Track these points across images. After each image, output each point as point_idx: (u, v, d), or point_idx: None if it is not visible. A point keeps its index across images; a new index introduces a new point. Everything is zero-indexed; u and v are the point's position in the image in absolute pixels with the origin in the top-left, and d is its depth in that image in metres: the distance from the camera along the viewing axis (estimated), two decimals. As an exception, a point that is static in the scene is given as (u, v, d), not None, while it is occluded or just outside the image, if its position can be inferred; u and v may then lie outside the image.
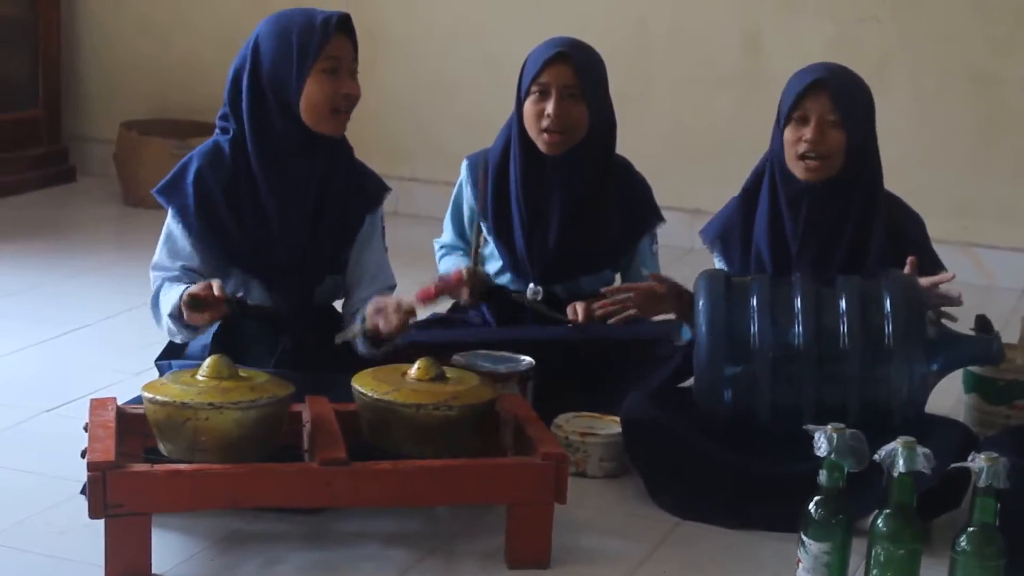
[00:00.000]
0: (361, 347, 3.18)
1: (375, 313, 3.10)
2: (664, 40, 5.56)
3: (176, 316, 3.08)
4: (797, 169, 3.28)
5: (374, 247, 3.31)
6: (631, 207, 3.71)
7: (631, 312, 3.34)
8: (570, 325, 3.55)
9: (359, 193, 3.29)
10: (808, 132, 3.25)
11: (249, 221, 3.19)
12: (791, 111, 3.27)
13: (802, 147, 3.26)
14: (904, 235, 3.34)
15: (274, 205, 3.18)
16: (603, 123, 3.65)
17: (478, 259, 3.71)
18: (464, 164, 3.77)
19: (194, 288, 3.00)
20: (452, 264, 3.72)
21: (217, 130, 3.23)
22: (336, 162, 3.24)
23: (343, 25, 3.15)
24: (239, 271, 3.21)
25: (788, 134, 3.28)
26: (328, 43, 3.12)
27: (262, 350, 3.18)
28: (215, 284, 2.99)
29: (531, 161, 3.64)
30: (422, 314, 3.34)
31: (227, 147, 3.19)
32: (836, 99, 3.25)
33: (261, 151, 3.17)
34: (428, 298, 3.11)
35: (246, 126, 3.17)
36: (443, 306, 3.80)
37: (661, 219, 3.76)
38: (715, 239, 3.46)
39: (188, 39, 6.10)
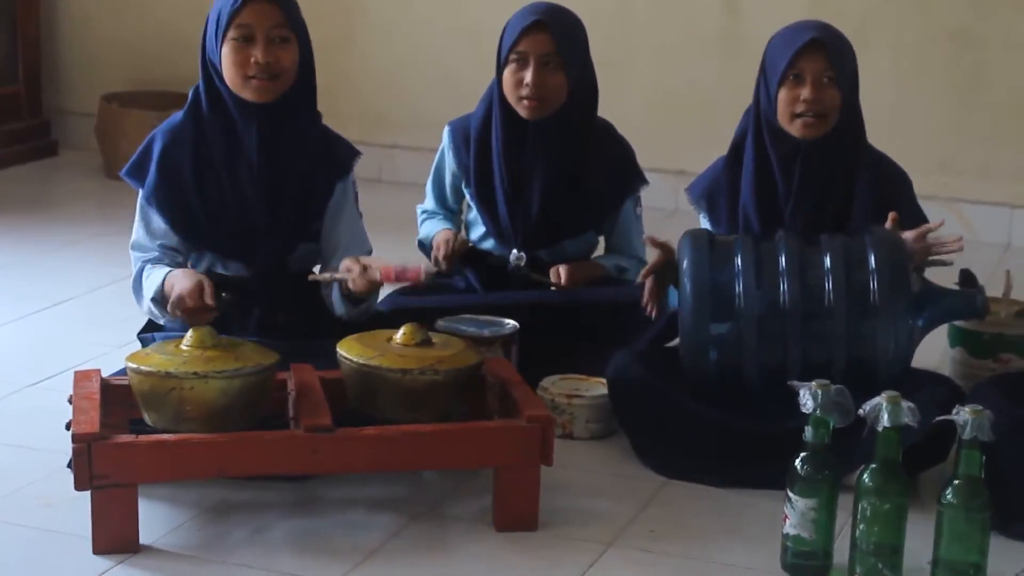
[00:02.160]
0: (338, 305, 3.18)
1: (347, 268, 3.10)
2: (645, 4, 5.54)
3: (158, 300, 3.09)
4: (793, 128, 3.28)
5: (347, 214, 3.30)
6: (614, 170, 3.70)
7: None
8: (553, 288, 3.55)
9: (328, 161, 3.28)
10: (806, 91, 3.25)
11: (211, 195, 3.19)
12: (786, 70, 3.26)
13: (800, 106, 3.25)
14: (892, 192, 3.35)
15: (228, 176, 3.18)
16: (584, 88, 3.63)
17: (458, 214, 3.71)
18: (446, 130, 3.76)
19: (184, 294, 3.00)
20: (433, 228, 3.72)
21: (188, 103, 3.24)
22: (289, 128, 3.21)
23: None
24: (209, 248, 3.21)
25: (784, 93, 3.27)
26: (240, 11, 3.11)
27: (243, 320, 3.18)
28: (206, 290, 3.00)
29: (512, 127, 3.62)
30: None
31: (187, 120, 3.20)
32: (832, 57, 3.25)
33: (212, 119, 3.19)
34: (388, 279, 3.10)
35: (201, 94, 3.19)
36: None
37: (644, 181, 3.75)
38: (700, 198, 3.46)
39: (167, 10, 6.07)
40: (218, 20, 3.13)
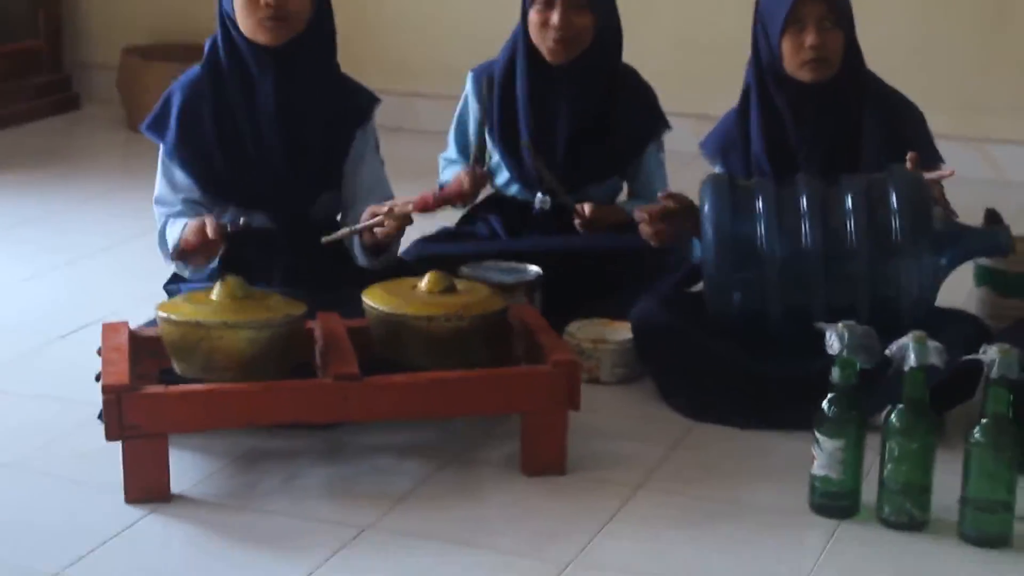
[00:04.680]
0: (360, 257, 3.19)
1: (371, 218, 3.09)
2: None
3: (179, 252, 3.10)
4: (802, 74, 3.28)
5: (368, 161, 3.30)
6: (637, 115, 3.70)
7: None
8: (577, 222, 3.54)
9: (347, 109, 3.27)
10: (811, 37, 3.24)
11: (231, 147, 3.19)
12: (787, 19, 3.25)
13: (808, 53, 3.25)
14: (903, 126, 3.34)
15: (247, 126, 3.18)
16: (609, 31, 3.63)
17: (482, 160, 3.70)
18: (469, 77, 3.76)
19: (188, 235, 3.02)
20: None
21: (205, 55, 3.23)
22: (305, 75, 3.21)
23: None
24: (232, 200, 3.21)
25: (788, 42, 3.26)
26: None
27: (267, 270, 3.18)
28: (209, 225, 3.00)
29: (537, 71, 3.62)
30: (425, 225, 3.32)
31: (205, 72, 3.20)
32: (829, 1, 3.24)
33: (230, 70, 3.18)
34: (427, 208, 3.09)
35: (220, 49, 3.18)
36: (451, 218, 3.81)
37: (668, 126, 3.74)
38: (716, 153, 3.46)
39: (187, -38, 6.06)
40: None
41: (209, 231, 3.00)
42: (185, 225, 3.11)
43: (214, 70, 3.20)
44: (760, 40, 3.34)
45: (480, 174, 3.54)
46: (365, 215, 3.12)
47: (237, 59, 3.18)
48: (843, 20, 3.28)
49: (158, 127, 3.23)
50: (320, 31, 3.21)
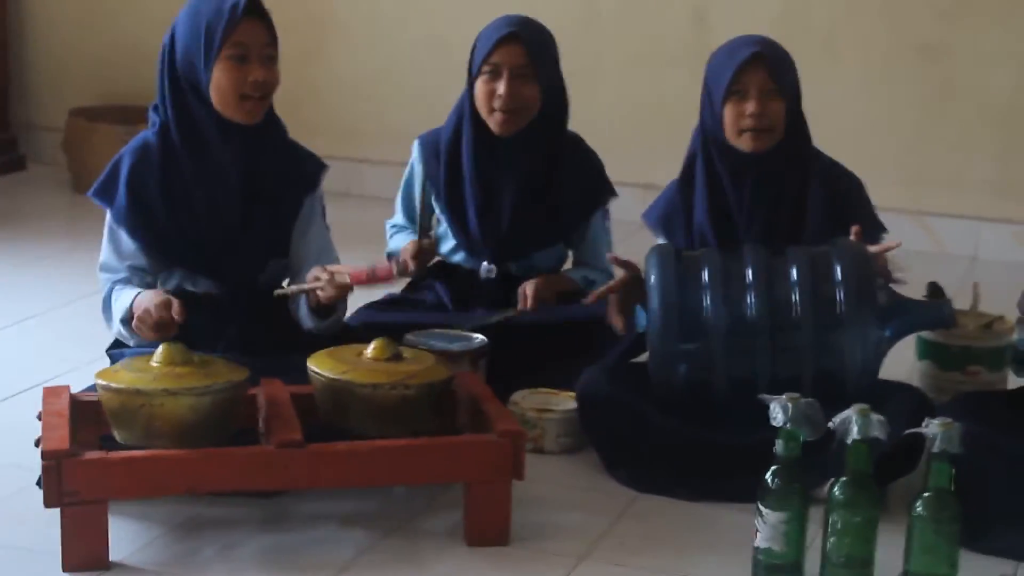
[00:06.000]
0: (306, 319, 3.17)
1: (314, 280, 3.08)
2: (612, 16, 5.55)
3: (127, 321, 3.07)
4: (741, 142, 3.30)
5: (315, 228, 3.29)
6: (583, 182, 3.71)
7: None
8: (516, 311, 3.55)
9: (295, 176, 3.26)
10: (751, 106, 3.26)
11: (181, 213, 3.17)
12: (730, 86, 3.27)
13: (747, 122, 3.27)
14: (846, 200, 3.37)
15: (200, 195, 3.16)
16: (555, 101, 3.64)
17: (428, 230, 3.70)
18: (416, 144, 3.77)
19: (151, 307, 2.98)
20: (402, 241, 3.71)
21: (149, 123, 3.21)
22: (265, 146, 3.20)
23: (253, 9, 3.09)
24: (179, 265, 3.20)
25: (729, 110, 3.28)
26: (234, 30, 3.07)
27: (211, 337, 3.16)
28: (174, 305, 2.96)
29: (483, 140, 3.63)
30: (370, 293, 3.32)
31: (154, 140, 3.17)
32: (773, 69, 3.27)
33: (183, 140, 3.15)
34: (359, 282, 3.09)
35: (169, 114, 3.15)
36: (397, 285, 3.80)
37: (613, 194, 3.76)
38: (657, 223, 3.47)
39: (134, 24, 6.05)
40: (207, 39, 3.08)
41: (175, 313, 2.96)
42: (138, 294, 3.08)
43: (164, 137, 3.17)
44: (705, 108, 3.37)
45: (426, 246, 3.55)
46: (310, 275, 3.11)
47: (191, 127, 3.15)
48: (786, 90, 3.29)
49: (106, 193, 3.19)
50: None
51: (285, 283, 3.29)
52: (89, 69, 6.18)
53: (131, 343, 3.16)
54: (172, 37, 3.15)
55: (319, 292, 3.06)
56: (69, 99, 6.06)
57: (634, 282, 3.24)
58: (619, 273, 3.27)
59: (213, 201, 3.17)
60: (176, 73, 3.14)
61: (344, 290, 3.05)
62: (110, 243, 3.21)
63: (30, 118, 6.26)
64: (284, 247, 3.26)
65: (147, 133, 3.21)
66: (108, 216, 3.21)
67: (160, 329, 2.97)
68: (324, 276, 3.05)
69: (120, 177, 3.17)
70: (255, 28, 3.10)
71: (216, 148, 3.16)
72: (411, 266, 3.51)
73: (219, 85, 3.09)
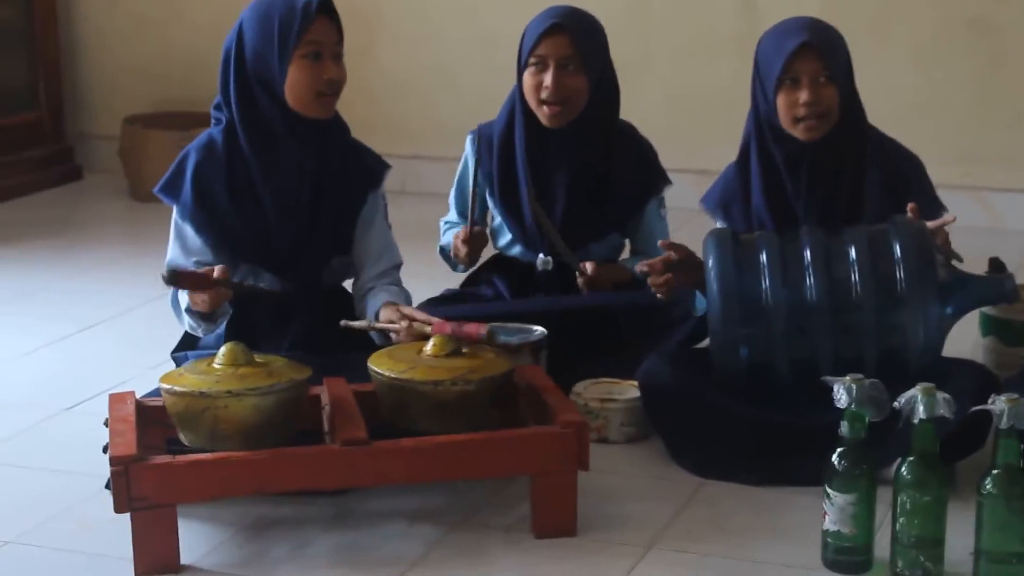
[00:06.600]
0: (376, 339, 3.19)
1: (387, 322, 3.11)
2: (661, 4, 5.54)
3: (192, 310, 3.09)
4: (797, 131, 3.27)
5: (377, 225, 3.31)
6: (637, 171, 3.70)
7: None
8: (580, 280, 3.53)
9: (359, 172, 3.29)
10: (804, 94, 3.23)
11: (248, 210, 3.19)
12: (781, 75, 3.25)
13: (801, 111, 3.24)
14: (903, 177, 3.34)
15: (270, 191, 3.19)
16: (605, 90, 3.63)
17: (477, 220, 3.69)
18: (468, 138, 3.77)
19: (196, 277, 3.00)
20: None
21: (212, 121, 3.24)
22: (330, 143, 3.23)
23: (324, 8, 3.13)
24: (246, 261, 3.21)
25: (782, 98, 3.25)
26: (309, 28, 3.11)
27: (275, 336, 3.19)
28: (217, 268, 2.99)
29: (535, 133, 3.63)
30: (430, 288, 3.31)
31: (220, 137, 3.20)
32: (824, 55, 3.23)
33: (252, 138, 3.18)
34: (442, 333, 3.07)
35: (235, 113, 3.18)
36: (455, 279, 3.81)
37: (668, 182, 3.74)
38: (716, 207, 3.45)
39: (185, 32, 6.10)
40: (281, 38, 3.11)
41: (217, 272, 2.98)
42: None
43: (229, 135, 3.19)
44: (758, 94, 3.34)
45: (477, 232, 3.56)
46: (383, 316, 3.13)
47: (260, 125, 3.17)
48: (839, 75, 3.26)
49: (172, 189, 3.22)
50: None
51: (347, 284, 3.29)
52: (140, 78, 6.23)
53: (200, 332, 3.18)
54: (239, 38, 3.16)
55: (391, 335, 3.08)
56: (122, 108, 6.11)
57: (688, 261, 3.22)
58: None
59: (281, 197, 3.19)
60: (245, 72, 3.16)
61: (419, 339, 3.05)
62: (176, 240, 3.23)
63: (85, 128, 6.32)
64: (347, 244, 3.28)
65: (213, 130, 3.23)
66: (174, 213, 3.23)
67: (211, 298, 2.98)
68: (401, 323, 3.06)
69: (186, 174, 3.20)
70: (327, 26, 3.14)
71: (286, 145, 3.18)
72: (462, 251, 3.51)
73: (295, 83, 3.12)
